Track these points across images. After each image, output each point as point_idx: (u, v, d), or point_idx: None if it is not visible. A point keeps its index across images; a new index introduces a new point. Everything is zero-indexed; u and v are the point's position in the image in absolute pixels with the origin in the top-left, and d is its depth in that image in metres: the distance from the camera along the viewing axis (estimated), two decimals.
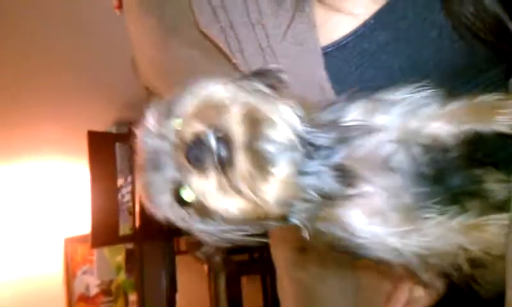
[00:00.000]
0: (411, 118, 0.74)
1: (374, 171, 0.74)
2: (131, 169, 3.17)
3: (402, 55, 0.86)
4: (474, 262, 0.70)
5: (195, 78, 0.73)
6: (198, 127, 0.64)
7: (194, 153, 0.63)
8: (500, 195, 0.76)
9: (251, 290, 4.14)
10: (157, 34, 1.39)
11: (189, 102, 0.67)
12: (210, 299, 3.86)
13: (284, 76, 0.73)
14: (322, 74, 0.89)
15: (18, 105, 3.40)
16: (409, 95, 0.74)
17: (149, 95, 2.42)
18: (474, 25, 0.73)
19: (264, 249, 3.80)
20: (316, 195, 0.69)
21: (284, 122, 0.66)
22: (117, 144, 3.13)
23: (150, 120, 0.70)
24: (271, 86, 0.71)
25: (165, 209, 0.70)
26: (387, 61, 0.87)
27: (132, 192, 3.15)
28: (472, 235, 0.70)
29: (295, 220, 0.71)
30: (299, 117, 0.68)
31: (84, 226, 4.11)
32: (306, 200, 0.69)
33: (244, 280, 3.97)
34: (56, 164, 4.58)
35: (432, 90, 0.73)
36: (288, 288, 1.67)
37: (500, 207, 0.70)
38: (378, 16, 0.85)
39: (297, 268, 1.62)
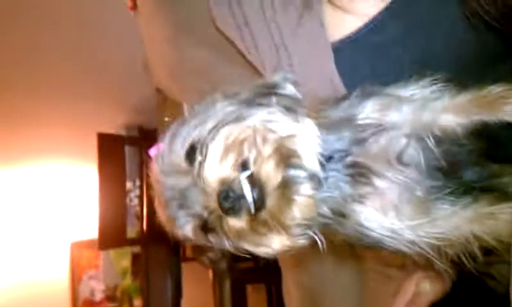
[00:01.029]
0: (422, 112, 0.74)
1: (387, 166, 0.74)
2: (140, 173, 3.17)
3: (413, 48, 0.87)
4: (487, 251, 0.71)
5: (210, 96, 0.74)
6: (229, 173, 0.64)
7: (229, 201, 0.63)
8: None
9: (256, 299, 4.12)
10: (169, 33, 1.40)
11: (213, 139, 0.67)
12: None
13: (298, 89, 0.74)
14: (332, 69, 0.90)
15: (26, 105, 3.42)
16: (420, 90, 0.75)
17: (161, 98, 2.44)
18: (489, 13, 0.74)
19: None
20: (329, 211, 0.70)
21: (309, 150, 0.67)
22: (127, 148, 3.13)
23: (170, 155, 0.70)
24: (288, 107, 0.71)
25: (191, 236, 0.71)
26: (398, 54, 0.88)
27: (141, 197, 3.14)
28: (485, 223, 0.70)
29: (310, 233, 0.71)
30: (319, 136, 0.69)
31: (90, 230, 4.12)
32: (320, 215, 0.70)
33: (249, 289, 3.95)
34: (64, 167, 4.59)
35: (442, 84, 0.74)
36: (294, 293, 1.66)
37: None
38: (390, 9, 0.86)
39: (300, 271, 1.61)
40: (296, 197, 0.65)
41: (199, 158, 0.66)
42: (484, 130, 0.75)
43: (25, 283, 4.68)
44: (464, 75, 0.74)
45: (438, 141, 0.74)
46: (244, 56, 1.02)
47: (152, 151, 0.82)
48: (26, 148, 4.05)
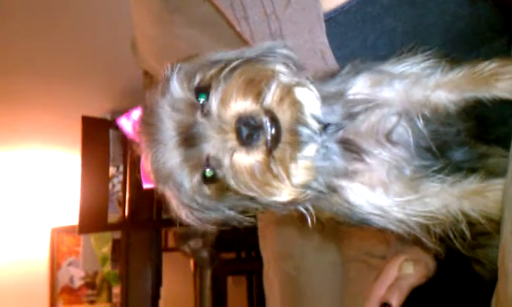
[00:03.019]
0: (414, 89, 0.74)
1: (376, 144, 0.74)
2: (124, 159, 3.13)
3: (406, 18, 0.86)
4: (476, 230, 0.70)
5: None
6: (248, 105, 0.63)
7: (249, 128, 0.63)
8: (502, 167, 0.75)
9: (236, 291, 4.12)
10: (159, 12, 1.38)
11: (230, 75, 0.66)
12: (194, 297, 3.82)
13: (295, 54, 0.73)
14: (323, 40, 0.89)
15: (11, 88, 3.37)
16: (412, 66, 0.74)
17: (148, 81, 2.41)
18: None
19: (252, 248, 3.79)
20: (323, 182, 0.70)
21: (311, 106, 0.67)
22: (111, 132, 3.09)
23: (175, 93, 0.69)
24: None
25: (188, 186, 0.69)
26: (390, 25, 0.87)
27: (124, 182, 3.10)
28: (473, 200, 0.70)
29: (300, 207, 0.72)
30: (318, 99, 0.69)
31: (72, 216, 4.08)
32: (313, 188, 0.69)
33: (230, 280, 3.94)
34: (48, 152, 4.54)
35: (434, 59, 0.73)
36: (274, 281, 1.66)
37: (501, 175, 0.70)
38: None
39: (284, 259, 1.61)
40: (303, 155, 0.66)
41: (215, 92, 0.65)
42: (474, 110, 0.74)
43: (3, 268, 4.63)
44: (457, 49, 0.74)
45: (427, 120, 0.74)
46: (234, 30, 1.00)
47: (122, 121, 0.81)
48: (9, 132, 4.00)
